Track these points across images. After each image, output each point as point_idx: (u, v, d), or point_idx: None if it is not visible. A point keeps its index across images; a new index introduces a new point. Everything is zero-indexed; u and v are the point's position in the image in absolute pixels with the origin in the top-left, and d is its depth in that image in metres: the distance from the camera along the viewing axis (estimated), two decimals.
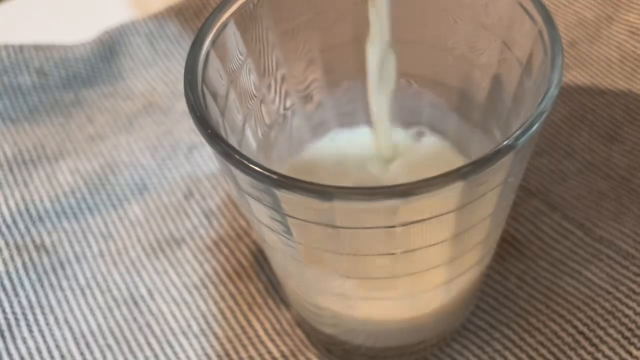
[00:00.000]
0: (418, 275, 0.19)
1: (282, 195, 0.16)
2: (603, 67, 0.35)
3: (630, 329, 0.25)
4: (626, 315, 0.25)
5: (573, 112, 0.33)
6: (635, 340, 0.25)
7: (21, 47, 0.37)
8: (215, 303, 0.28)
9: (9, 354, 0.27)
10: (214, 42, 0.20)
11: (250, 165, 0.16)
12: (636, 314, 0.25)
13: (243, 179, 0.17)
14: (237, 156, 0.16)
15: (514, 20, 0.19)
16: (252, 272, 0.29)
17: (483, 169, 0.15)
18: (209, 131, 0.17)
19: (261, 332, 0.27)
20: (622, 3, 0.38)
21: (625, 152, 0.31)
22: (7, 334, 0.27)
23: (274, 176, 0.16)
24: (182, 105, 0.36)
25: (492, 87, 0.22)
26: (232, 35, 0.20)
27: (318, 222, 0.17)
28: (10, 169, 0.33)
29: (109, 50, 0.38)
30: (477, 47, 0.22)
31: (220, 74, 0.20)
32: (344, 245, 0.18)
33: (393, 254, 0.18)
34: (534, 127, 0.16)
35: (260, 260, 0.29)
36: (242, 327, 0.27)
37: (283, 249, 0.20)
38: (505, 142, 0.15)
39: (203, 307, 0.28)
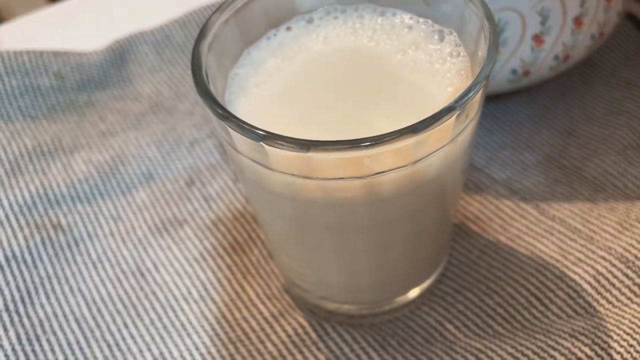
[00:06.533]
0: (385, 225, 0.23)
1: (268, 148, 0.20)
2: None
3: (576, 291, 0.28)
4: (572, 280, 0.29)
5: (535, 112, 0.37)
6: (580, 300, 0.28)
7: (41, 53, 0.41)
8: (214, 273, 0.32)
9: (29, 317, 0.30)
10: (215, 35, 0.24)
11: (243, 124, 0.20)
12: (581, 278, 0.29)
13: (237, 137, 0.20)
14: (232, 118, 0.20)
15: (466, 16, 0.24)
16: (247, 247, 0.33)
17: (430, 124, 0.19)
18: (211, 100, 0.21)
19: (254, 297, 0.31)
20: None
21: (579, 145, 0.35)
22: (27, 300, 0.31)
23: (262, 132, 0.19)
24: (185, 106, 0.40)
25: None
26: (230, 29, 0.25)
27: (298, 175, 0.21)
28: (30, 159, 0.37)
29: (119, 58, 0.43)
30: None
31: (220, 58, 0.24)
32: (322, 196, 0.22)
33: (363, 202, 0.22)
34: (470, 94, 0.20)
35: (253, 237, 0.33)
36: (237, 293, 0.31)
37: (271, 209, 0.24)
38: (447, 105, 0.19)
39: (202, 277, 0.32)
